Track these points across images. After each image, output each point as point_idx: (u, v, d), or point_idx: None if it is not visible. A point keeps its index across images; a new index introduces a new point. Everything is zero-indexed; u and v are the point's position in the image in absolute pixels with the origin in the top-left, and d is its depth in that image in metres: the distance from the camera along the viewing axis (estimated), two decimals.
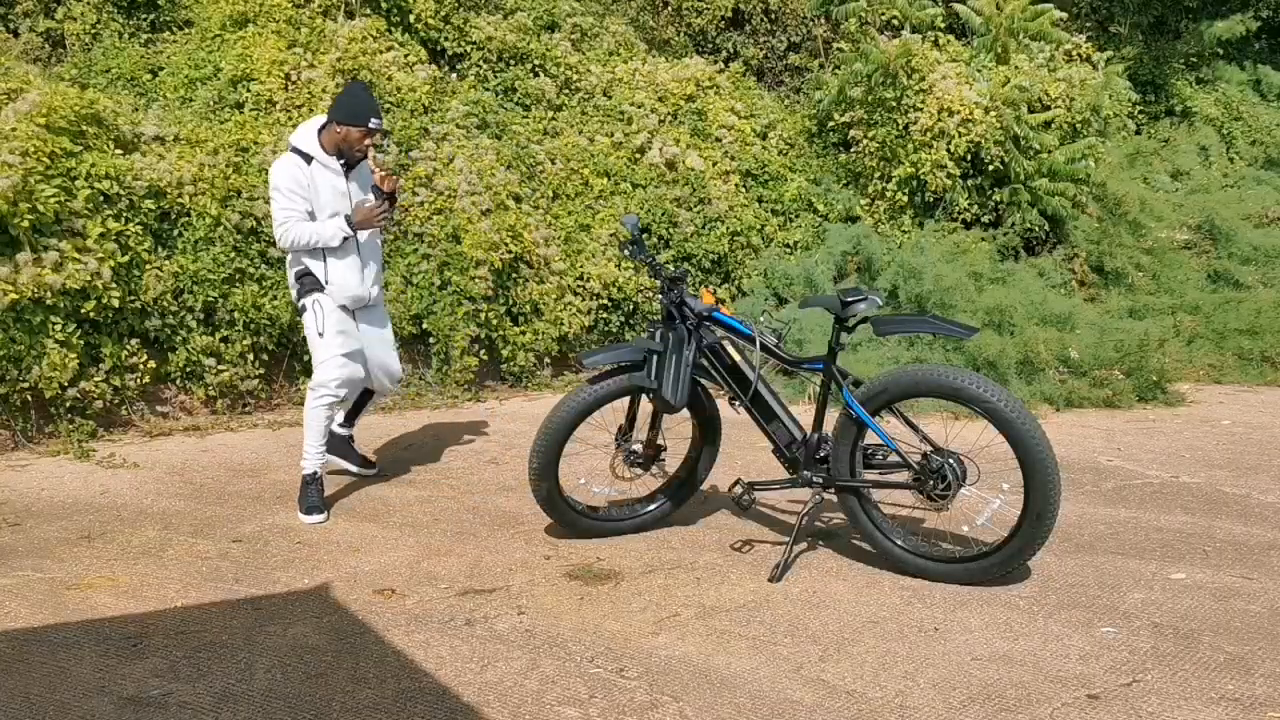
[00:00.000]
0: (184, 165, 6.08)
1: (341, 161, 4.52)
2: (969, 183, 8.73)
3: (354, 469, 5.06)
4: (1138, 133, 12.07)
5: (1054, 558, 4.02)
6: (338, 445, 4.96)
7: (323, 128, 4.50)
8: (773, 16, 10.68)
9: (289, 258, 4.63)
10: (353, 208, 4.57)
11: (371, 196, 4.60)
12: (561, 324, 7.27)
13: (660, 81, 9.20)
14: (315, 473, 4.56)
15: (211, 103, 7.29)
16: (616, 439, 4.27)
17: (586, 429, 4.17)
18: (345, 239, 4.50)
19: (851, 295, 3.86)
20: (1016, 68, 9.10)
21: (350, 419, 5.08)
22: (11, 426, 5.42)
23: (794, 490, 4.14)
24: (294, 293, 4.62)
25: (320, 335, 4.51)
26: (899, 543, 3.88)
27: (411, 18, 8.46)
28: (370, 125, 4.45)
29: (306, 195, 4.46)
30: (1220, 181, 11.73)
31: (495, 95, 8.55)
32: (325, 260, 4.53)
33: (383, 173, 4.64)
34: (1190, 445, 5.88)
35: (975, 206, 8.79)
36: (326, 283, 4.55)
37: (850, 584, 3.81)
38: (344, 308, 4.60)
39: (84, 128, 5.88)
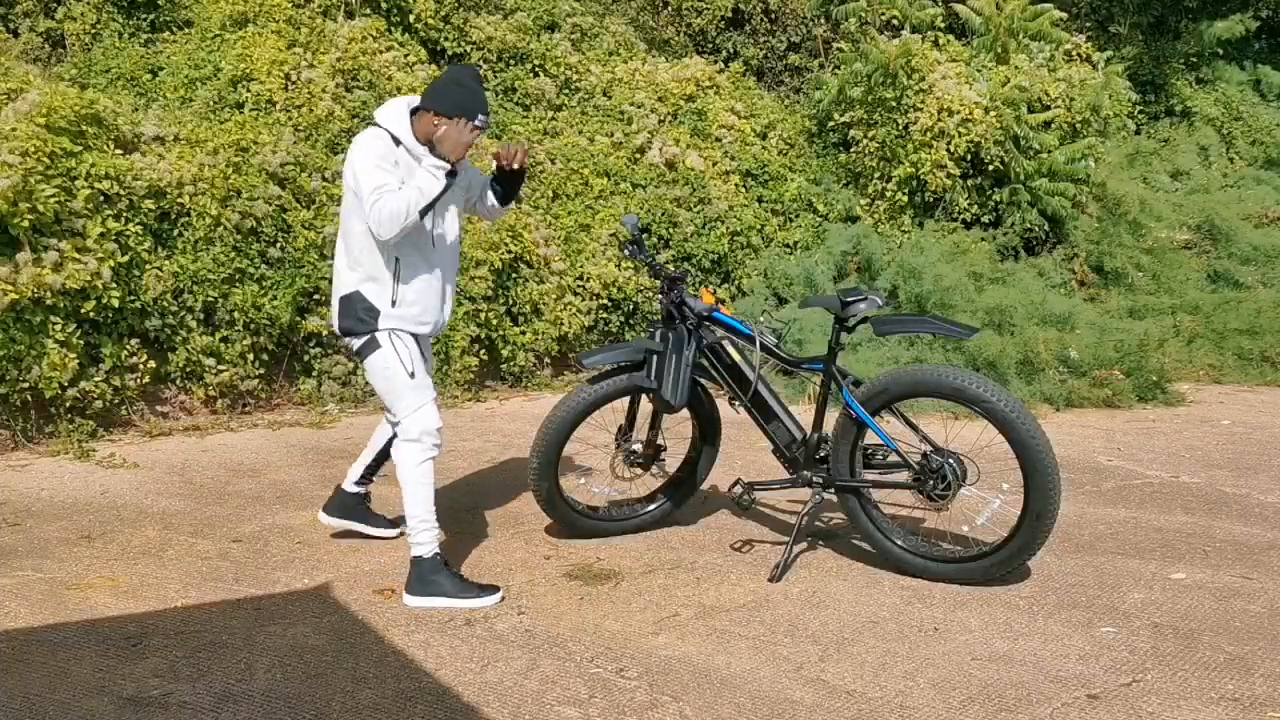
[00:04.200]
0: (184, 165, 6.07)
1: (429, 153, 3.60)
2: (969, 183, 8.74)
3: (375, 533, 4.21)
4: (1138, 133, 12.08)
5: (1054, 558, 4.02)
6: (352, 507, 4.19)
7: (415, 111, 3.60)
8: (773, 16, 10.68)
9: (341, 276, 3.67)
10: (446, 206, 3.67)
11: (512, 147, 3.79)
12: (561, 324, 7.27)
13: (660, 81, 9.20)
14: (437, 552, 3.67)
15: (211, 103, 7.30)
16: (616, 439, 4.26)
17: (586, 429, 4.17)
18: (446, 182, 3.52)
19: (851, 295, 3.87)
20: (1016, 68, 9.10)
21: (370, 475, 4.19)
22: (11, 426, 5.41)
23: (794, 490, 4.14)
24: (339, 322, 3.68)
25: (412, 376, 3.61)
26: (899, 543, 3.88)
27: (411, 18, 8.47)
28: (477, 122, 3.56)
29: (397, 173, 3.53)
30: (1220, 181, 11.73)
31: (495, 95, 8.56)
32: (397, 272, 3.58)
33: (502, 149, 3.74)
34: (1190, 445, 5.88)
35: (975, 206, 8.79)
36: (393, 304, 3.59)
37: (850, 584, 3.81)
38: (415, 336, 3.68)
39: (84, 128, 5.87)
